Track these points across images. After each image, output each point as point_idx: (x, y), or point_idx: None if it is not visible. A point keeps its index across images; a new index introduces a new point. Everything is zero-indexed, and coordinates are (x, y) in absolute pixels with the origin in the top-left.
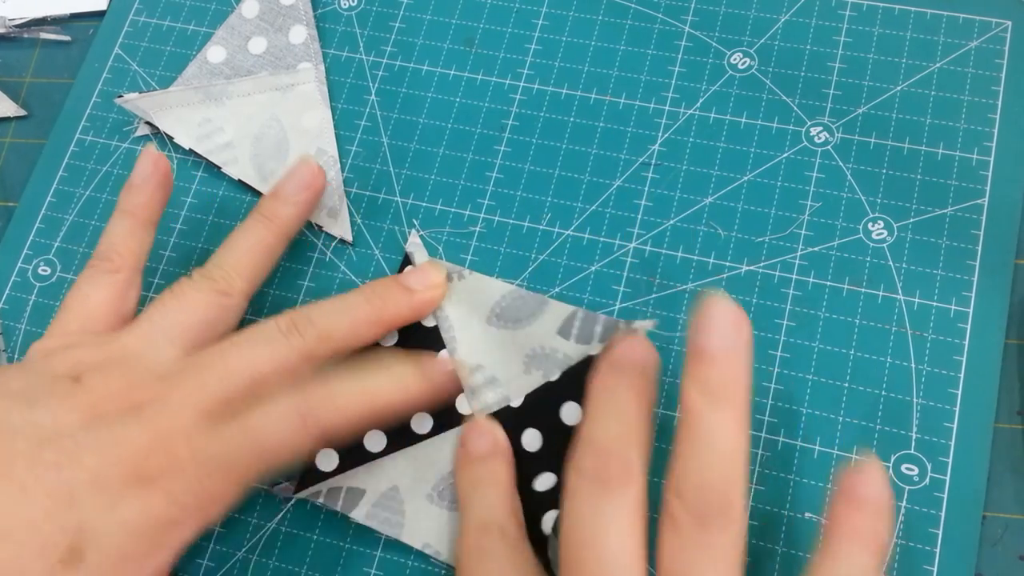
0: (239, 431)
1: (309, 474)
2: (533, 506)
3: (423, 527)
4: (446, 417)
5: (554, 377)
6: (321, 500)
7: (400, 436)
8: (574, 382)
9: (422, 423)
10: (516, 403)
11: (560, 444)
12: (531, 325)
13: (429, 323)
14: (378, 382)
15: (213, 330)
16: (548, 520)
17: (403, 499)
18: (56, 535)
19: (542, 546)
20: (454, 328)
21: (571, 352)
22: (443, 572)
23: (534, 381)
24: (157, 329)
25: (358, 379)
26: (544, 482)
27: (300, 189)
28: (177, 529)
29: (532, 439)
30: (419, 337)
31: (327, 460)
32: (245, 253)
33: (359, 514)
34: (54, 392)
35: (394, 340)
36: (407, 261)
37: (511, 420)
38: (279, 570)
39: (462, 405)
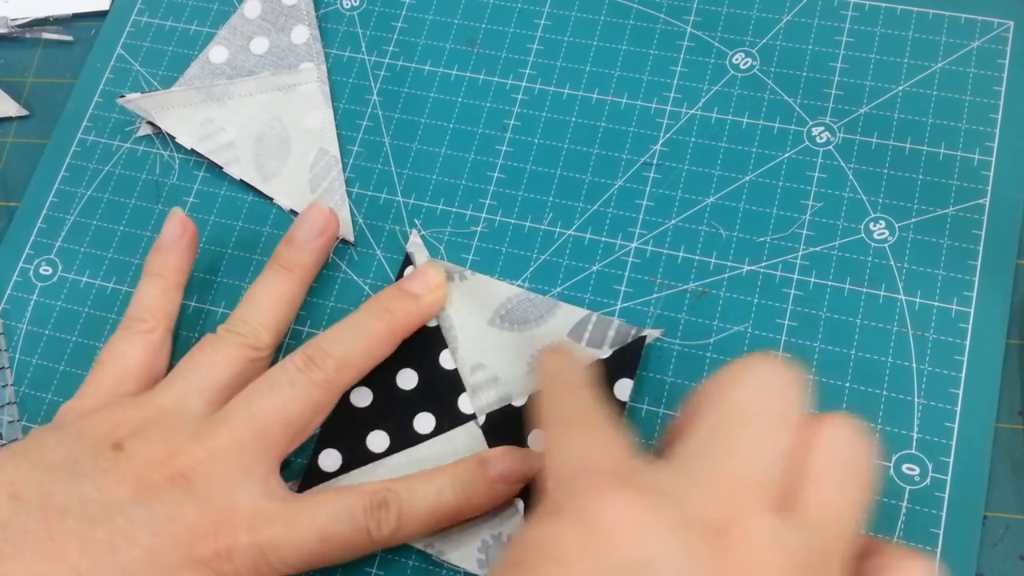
0: (306, 529)
1: (312, 474)
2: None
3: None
4: (448, 417)
5: None
6: None
7: (403, 436)
8: None
9: (424, 423)
10: (519, 403)
11: None
12: (540, 327)
13: (431, 323)
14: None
15: (244, 384)
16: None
17: None
18: None
19: None
20: (455, 328)
21: (580, 355)
22: (444, 572)
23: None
24: (191, 387)
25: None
26: None
27: (315, 235)
28: None
29: (538, 440)
30: (421, 337)
31: (330, 460)
32: (270, 306)
33: None
34: (97, 463)
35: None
36: (408, 261)
37: (514, 419)
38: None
39: (464, 404)
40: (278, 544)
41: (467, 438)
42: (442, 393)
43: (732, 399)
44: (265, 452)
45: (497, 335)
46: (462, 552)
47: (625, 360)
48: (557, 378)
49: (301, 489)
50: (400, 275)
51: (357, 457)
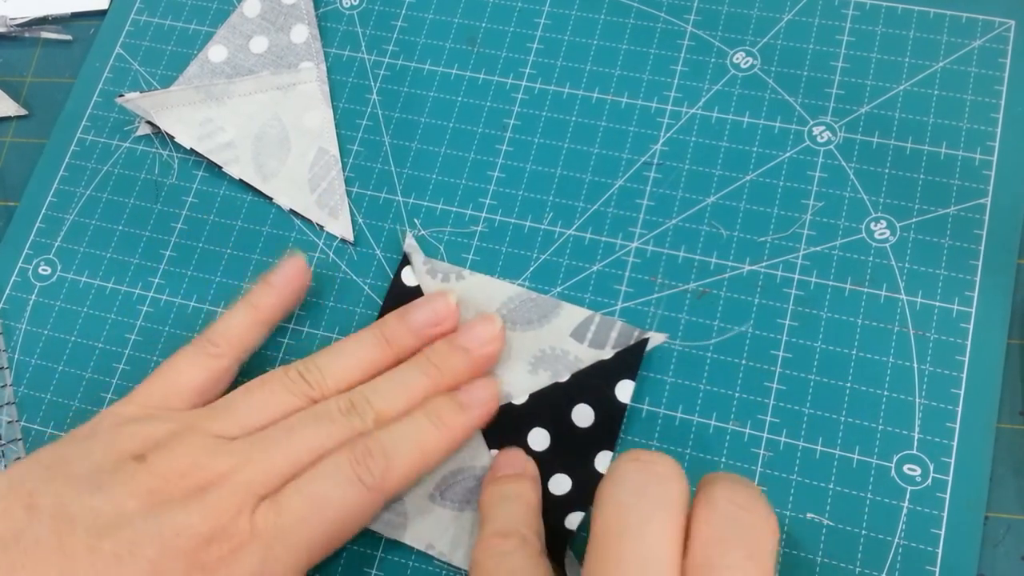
0: (300, 500)
1: None
2: (552, 510)
3: (426, 527)
4: None
5: (563, 379)
6: None
7: None
8: (584, 384)
9: None
10: (519, 401)
11: (571, 446)
12: (542, 327)
13: None
14: (427, 435)
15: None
16: (573, 520)
17: (405, 499)
18: None
19: (560, 541)
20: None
21: (583, 355)
22: (445, 572)
23: (540, 381)
24: (235, 419)
25: (408, 435)
26: (560, 485)
27: (431, 324)
28: None
29: (539, 438)
30: None
31: None
32: (351, 369)
33: None
34: (116, 475)
35: None
36: (405, 261)
37: (514, 417)
38: None
39: None
40: (283, 529)
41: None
42: None
43: (607, 511)
44: (291, 480)
45: None
46: (463, 552)
47: (627, 362)
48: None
49: None
50: (397, 275)
51: None
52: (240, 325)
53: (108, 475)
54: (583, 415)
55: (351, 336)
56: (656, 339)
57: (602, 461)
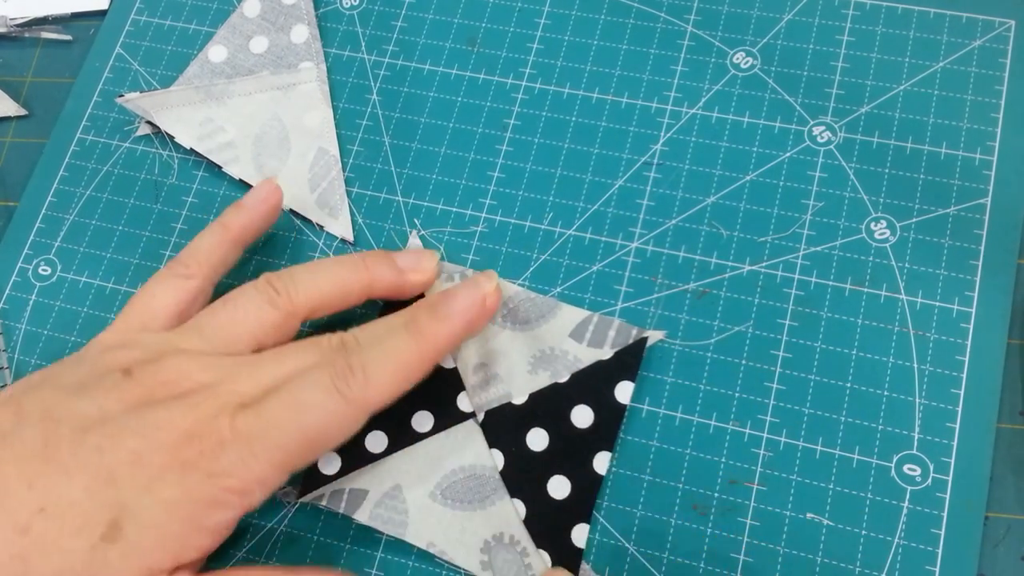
0: (279, 404)
1: (311, 478)
2: (551, 513)
3: (427, 526)
4: (447, 415)
5: (563, 379)
6: (324, 503)
7: (401, 435)
8: (584, 385)
9: (423, 421)
10: (519, 400)
11: (570, 447)
12: (540, 327)
13: None
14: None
15: (265, 341)
16: (578, 533)
17: (406, 498)
18: (96, 513)
19: (570, 560)
20: None
21: (582, 355)
22: (445, 572)
23: (540, 381)
24: (217, 333)
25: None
26: (559, 489)
27: (411, 266)
28: (218, 511)
29: (537, 438)
30: None
31: (329, 463)
32: (328, 287)
33: (362, 516)
34: (102, 384)
35: None
36: None
37: (514, 417)
38: None
39: (463, 403)
40: (261, 430)
41: (466, 436)
42: (441, 391)
43: None
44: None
45: (499, 334)
46: (464, 552)
47: (626, 362)
48: None
49: (302, 494)
50: None
51: (356, 458)
52: (210, 245)
53: (94, 384)
54: (582, 416)
55: (332, 260)
56: (654, 336)
57: (601, 462)
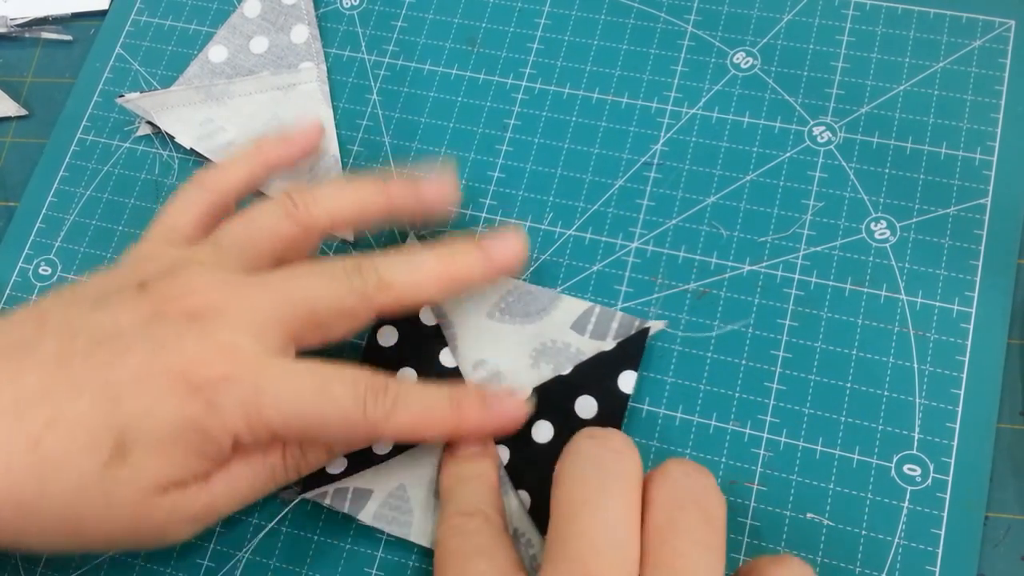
0: (310, 373)
1: (315, 476)
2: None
3: (431, 525)
4: None
5: (565, 371)
6: (327, 501)
7: None
8: (587, 376)
9: None
10: (522, 395)
11: None
12: (541, 320)
13: (429, 321)
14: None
15: (284, 256)
16: None
17: (410, 497)
18: (102, 431)
19: None
20: (455, 325)
21: (584, 347)
22: None
23: (543, 374)
24: (234, 245)
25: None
26: None
27: (432, 193)
28: (220, 437)
29: (543, 431)
30: (421, 337)
31: (335, 464)
32: (347, 202)
33: (366, 515)
34: (119, 297)
35: (394, 340)
36: None
37: None
38: (280, 570)
39: None
40: (275, 388)
41: None
42: None
43: (567, 486)
44: (282, 324)
45: (497, 328)
46: None
47: (629, 352)
48: (462, 505)
49: (304, 491)
50: None
51: (362, 460)
52: (239, 162)
53: (113, 297)
54: (586, 407)
55: (352, 181)
56: (656, 326)
57: None
